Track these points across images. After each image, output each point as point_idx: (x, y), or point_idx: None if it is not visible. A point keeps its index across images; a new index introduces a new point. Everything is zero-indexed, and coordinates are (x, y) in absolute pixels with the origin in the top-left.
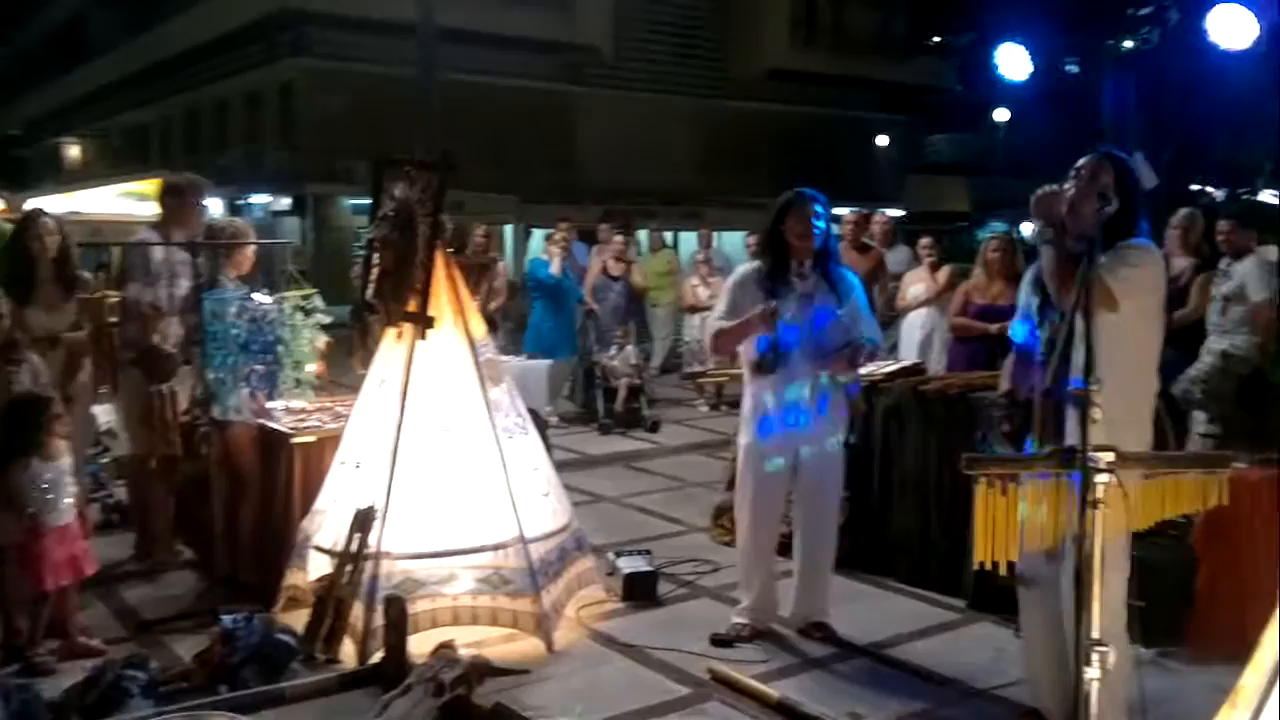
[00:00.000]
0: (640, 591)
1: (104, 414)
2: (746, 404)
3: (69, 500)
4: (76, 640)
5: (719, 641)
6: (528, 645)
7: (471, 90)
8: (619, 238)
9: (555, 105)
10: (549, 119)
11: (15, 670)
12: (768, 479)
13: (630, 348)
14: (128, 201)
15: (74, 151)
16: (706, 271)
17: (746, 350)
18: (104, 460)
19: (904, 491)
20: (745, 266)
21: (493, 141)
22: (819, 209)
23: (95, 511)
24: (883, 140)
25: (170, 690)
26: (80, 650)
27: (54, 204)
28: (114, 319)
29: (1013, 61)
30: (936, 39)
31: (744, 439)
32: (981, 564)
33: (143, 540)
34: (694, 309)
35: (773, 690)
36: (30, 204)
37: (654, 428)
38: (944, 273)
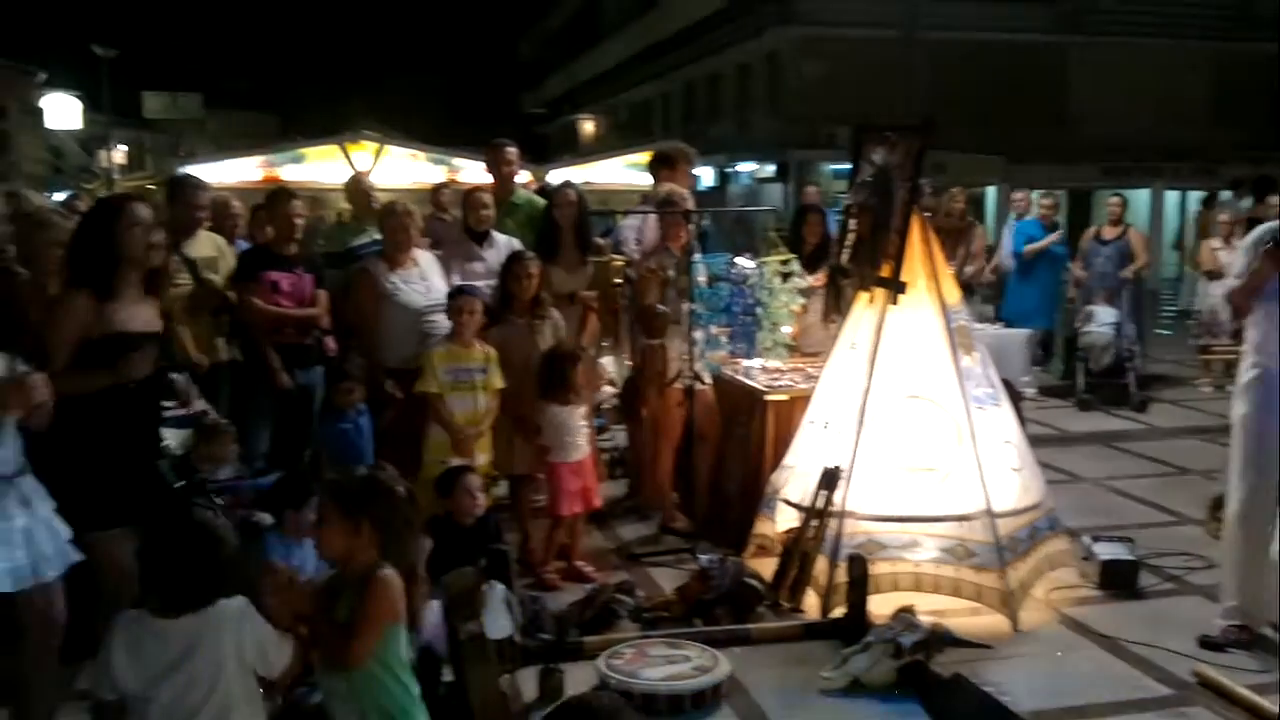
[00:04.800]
0: (1119, 580)
1: (608, 365)
2: (1248, 373)
3: (583, 441)
4: (576, 565)
5: (1209, 644)
6: (991, 620)
7: (957, 48)
8: (1115, 198)
9: (1047, 58)
10: (1039, 73)
11: (528, 584)
12: (1270, 455)
13: (1104, 312)
14: (631, 172)
15: (588, 127)
16: (1232, 233)
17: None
18: (606, 408)
19: None
20: (1267, 225)
21: (978, 100)
22: None
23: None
24: None
25: (652, 617)
26: (578, 574)
27: (570, 175)
28: (618, 280)
29: None
30: None
31: (1242, 409)
32: None
33: (637, 481)
34: (1211, 274)
35: (1271, 704)
36: (550, 176)
37: (1142, 406)
38: None
